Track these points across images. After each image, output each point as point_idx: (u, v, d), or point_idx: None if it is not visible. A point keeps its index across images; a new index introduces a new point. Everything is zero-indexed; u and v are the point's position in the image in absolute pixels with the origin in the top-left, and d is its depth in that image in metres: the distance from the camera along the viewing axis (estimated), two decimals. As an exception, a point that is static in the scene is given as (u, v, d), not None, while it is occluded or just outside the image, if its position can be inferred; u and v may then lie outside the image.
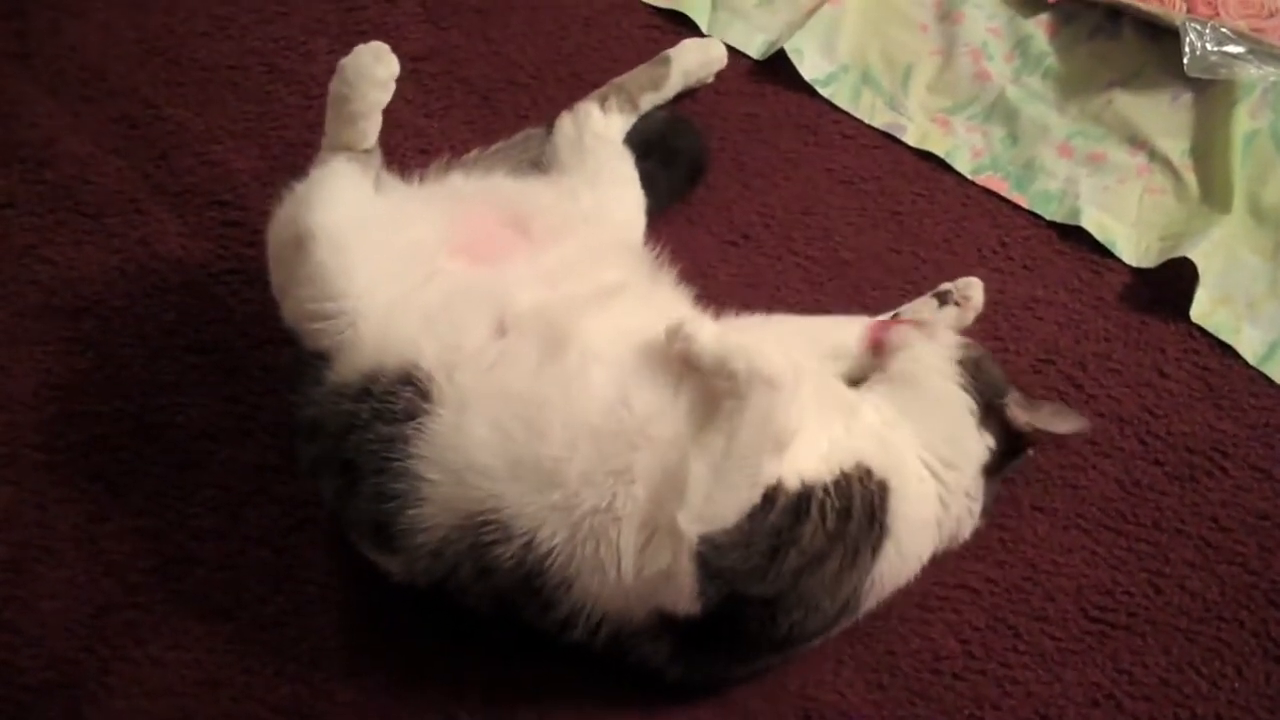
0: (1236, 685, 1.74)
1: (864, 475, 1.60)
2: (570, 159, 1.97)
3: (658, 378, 1.60)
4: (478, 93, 2.27)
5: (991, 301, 2.05)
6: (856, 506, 1.58)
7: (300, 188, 1.68)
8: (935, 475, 1.68)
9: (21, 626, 1.75)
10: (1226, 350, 2.02)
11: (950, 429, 1.69)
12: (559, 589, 1.55)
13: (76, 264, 2.06)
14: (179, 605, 1.77)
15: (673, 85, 2.15)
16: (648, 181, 2.00)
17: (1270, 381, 1.99)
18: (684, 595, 1.52)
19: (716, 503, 1.51)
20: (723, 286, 2.03)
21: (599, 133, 2.00)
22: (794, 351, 1.66)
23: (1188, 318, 2.04)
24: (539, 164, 2.00)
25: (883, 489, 1.61)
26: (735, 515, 1.51)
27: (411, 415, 1.57)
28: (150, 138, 2.20)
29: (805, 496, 1.55)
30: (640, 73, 2.14)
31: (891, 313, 1.95)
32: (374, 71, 1.71)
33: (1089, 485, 1.90)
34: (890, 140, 2.22)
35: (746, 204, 2.16)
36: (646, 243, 1.90)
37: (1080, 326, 2.05)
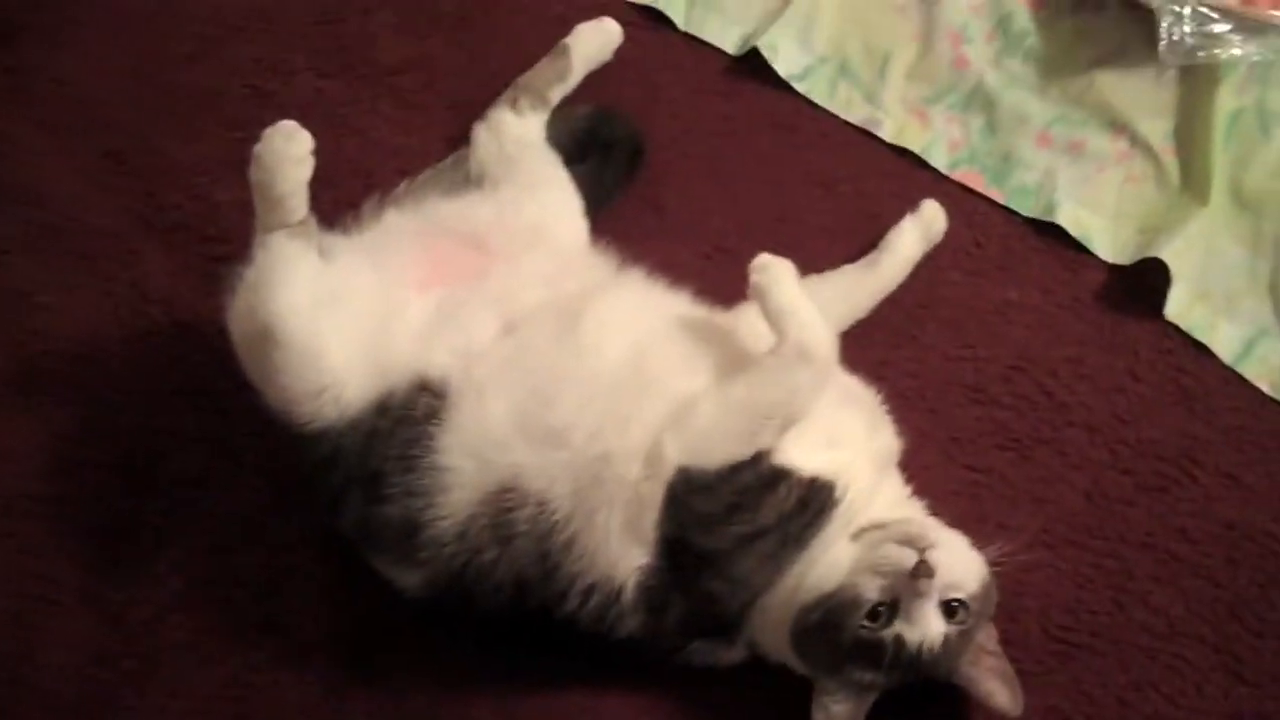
0: (1196, 704, 1.78)
1: (828, 488, 1.64)
2: (499, 170, 1.98)
3: (675, 342, 1.72)
4: (457, 106, 2.25)
5: (964, 306, 2.05)
6: (811, 508, 1.63)
7: (249, 275, 1.70)
8: None
9: (24, 676, 1.87)
10: (1202, 350, 2.01)
11: None
12: (564, 551, 1.63)
13: (69, 307, 2.12)
14: (176, 653, 1.88)
15: (576, 74, 2.14)
16: (593, 182, 2.03)
17: (1245, 383, 1.98)
18: (646, 526, 1.61)
19: (710, 443, 1.61)
20: (691, 282, 1.99)
21: (519, 137, 2.01)
22: None
23: (1163, 316, 2.02)
24: (470, 183, 2.01)
25: (833, 507, 1.64)
26: (720, 462, 1.60)
27: (432, 415, 1.68)
28: (138, 171, 2.23)
29: (783, 475, 1.62)
30: (543, 67, 2.13)
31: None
32: (288, 151, 1.71)
33: (1056, 499, 1.92)
34: (867, 137, 2.20)
35: (722, 213, 2.16)
36: (611, 250, 1.92)
37: (1053, 329, 2.04)
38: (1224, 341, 2.01)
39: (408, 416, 1.67)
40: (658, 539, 1.61)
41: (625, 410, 1.64)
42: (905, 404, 1.92)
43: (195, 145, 2.26)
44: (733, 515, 1.60)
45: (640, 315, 1.75)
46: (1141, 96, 2.19)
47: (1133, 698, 1.78)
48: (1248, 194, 2.10)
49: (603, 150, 2.12)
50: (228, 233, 2.15)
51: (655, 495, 1.61)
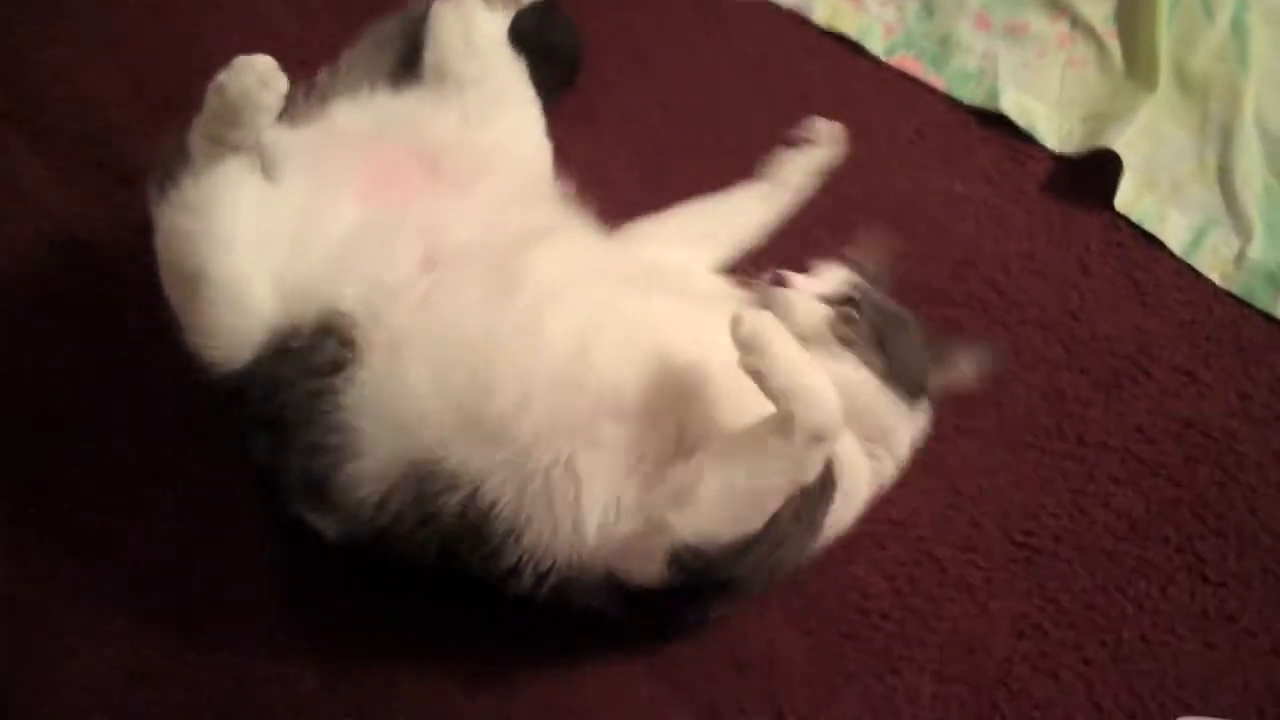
0: (1161, 605, 1.73)
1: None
2: (462, 68, 1.78)
3: (620, 338, 1.50)
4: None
5: (909, 201, 1.97)
6: (815, 488, 1.48)
7: (185, 193, 1.49)
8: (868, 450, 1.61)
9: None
10: (1153, 242, 1.95)
11: (866, 405, 1.58)
12: (507, 537, 1.48)
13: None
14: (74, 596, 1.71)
15: None
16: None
17: (1196, 274, 1.93)
18: (648, 574, 1.46)
19: (718, 524, 1.42)
20: (627, 194, 1.90)
21: (492, 35, 1.82)
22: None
23: (1112, 207, 1.96)
24: (410, 69, 1.82)
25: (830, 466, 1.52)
26: (732, 538, 1.43)
27: (339, 366, 1.49)
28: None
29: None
30: None
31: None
32: (260, 99, 1.47)
33: (1013, 401, 1.85)
34: (799, 23, 2.08)
35: (656, 112, 2.04)
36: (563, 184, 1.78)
37: (1001, 224, 1.96)
38: (1174, 231, 1.96)
39: (311, 366, 1.49)
40: (663, 584, 1.46)
41: (582, 419, 1.46)
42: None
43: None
44: (748, 551, 1.44)
45: (588, 287, 1.55)
46: (1081, -25, 2.11)
47: (1099, 601, 1.73)
48: (1192, 77, 2.04)
49: (542, 51, 1.91)
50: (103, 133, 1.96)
51: (654, 550, 1.44)
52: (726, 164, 1.94)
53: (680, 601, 1.54)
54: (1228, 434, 1.84)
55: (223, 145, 1.49)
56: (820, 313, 1.58)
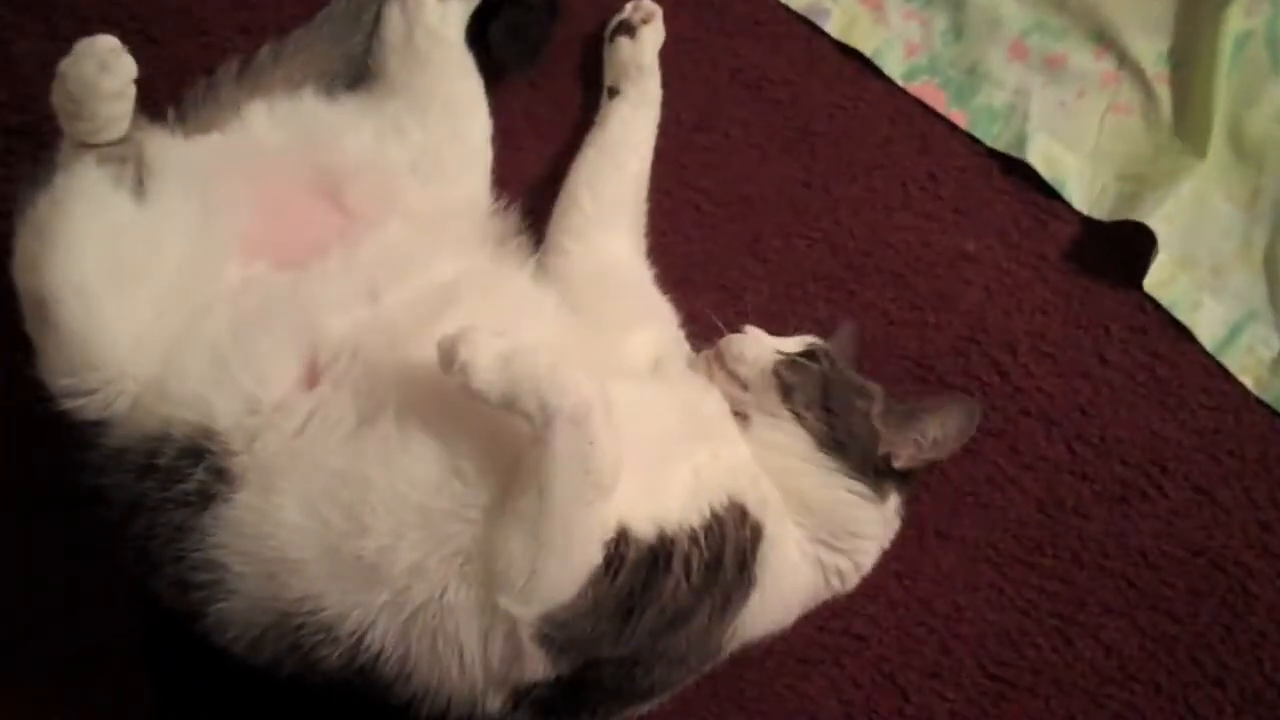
0: (1143, 764, 1.56)
1: (738, 517, 1.34)
2: (398, 68, 1.60)
3: (492, 427, 1.29)
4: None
5: (912, 258, 1.74)
6: (728, 556, 1.32)
7: (39, 210, 1.29)
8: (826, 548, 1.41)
9: None
10: (1181, 331, 1.72)
11: (805, 484, 1.40)
12: (397, 680, 1.31)
13: None
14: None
15: None
16: (506, 39, 1.68)
17: (1227, 375, 1.70)
18: (537, 671, 1.29)
19: (546, 576, 1.24)
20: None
21: (433, 28, 1.61)
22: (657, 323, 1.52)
23: (1140, 286, 1.72)
24: (362, 61, 1.62)
25: (756, 533, 1.34)
26: (573, 586, 1.25)
27: (207, 499, 1.29)
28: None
29: (664, 548, 1.29)
30: None
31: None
32: (101, 85, 1.28)
33: (1005, 505, 1.65)
34: (811, 30, 1.80)
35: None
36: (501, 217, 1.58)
37: (1014, 294, 1.73)
38: (1207, 324, 1.72)
39: (177, 493, 1.29)
40: (559, 673, 1.28)
41: (455, 543, 1.27)
42: (836, 374, 1.64)
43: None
44: (631, 618, 1.26)
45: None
46: (1135, 5, 1.83)
47: (1074, 753, 1.56)
48: (1248, 140, 1.78)
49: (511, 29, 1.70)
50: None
51: (523, 648, 1.27)
52: (711, 210, 1.75)
53: (591, 695, 1.35)
54: (1241, 569, 1.64)
55: (81, 134, 1.32)
56: (770, 358, 1.45)
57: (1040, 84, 1.81)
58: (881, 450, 1.41)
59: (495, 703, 1.32)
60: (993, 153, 1.78)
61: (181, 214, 1.37)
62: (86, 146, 1.32)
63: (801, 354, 1.46)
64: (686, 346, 1.55)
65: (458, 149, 1.57)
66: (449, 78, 1.60)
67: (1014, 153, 1.77)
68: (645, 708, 1.43)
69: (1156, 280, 1.72)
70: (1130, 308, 1.73)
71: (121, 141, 1.35)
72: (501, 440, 1.27)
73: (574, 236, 1.62)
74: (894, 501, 1.43)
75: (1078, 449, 1.67)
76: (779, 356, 1.45)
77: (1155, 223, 1.70)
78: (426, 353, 1.29)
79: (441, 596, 1.28)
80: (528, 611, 1.24)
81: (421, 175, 1.52)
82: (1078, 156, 1.78)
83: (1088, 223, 1.76)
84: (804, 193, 1.75)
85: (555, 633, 1.25)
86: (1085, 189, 1.77)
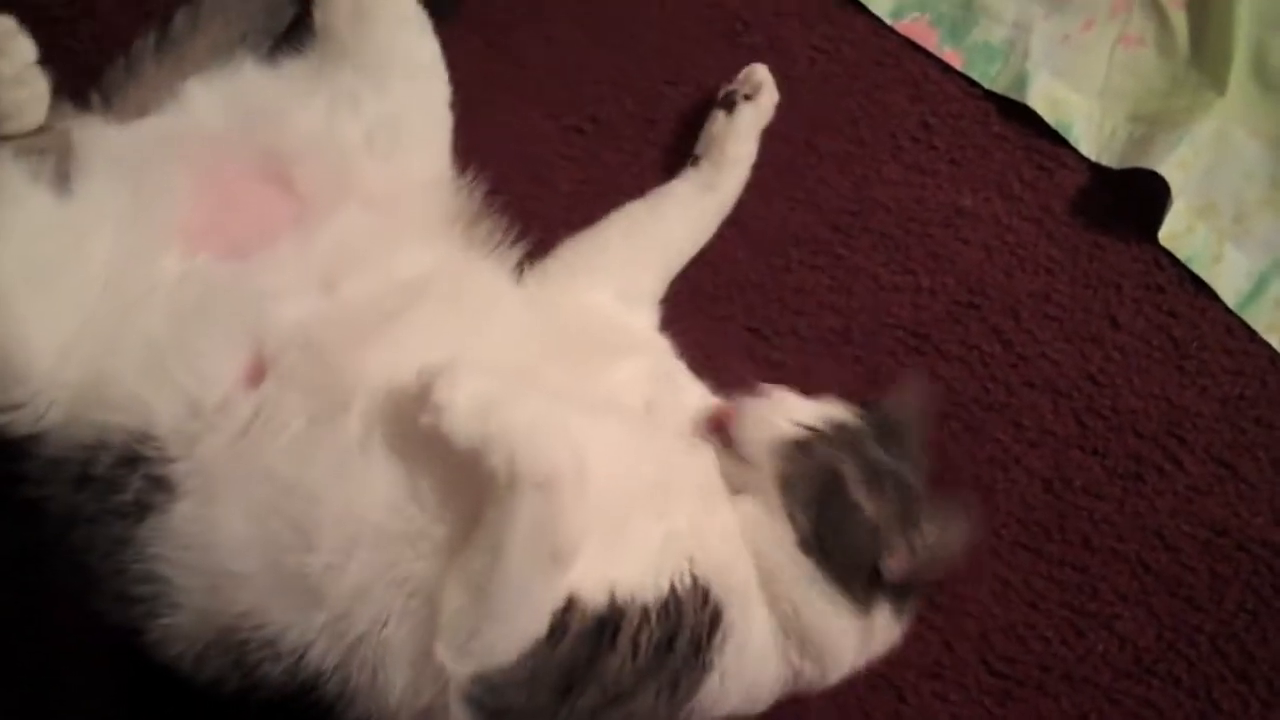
0: (1161, 765, 1.44)
1: (698, 599, 1.22)
2: (347, 32, 1.42)
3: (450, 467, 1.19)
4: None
5: (904, 214, 1.60)
6: (681, 640, 1.20)
7: None
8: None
9: None
10: (1201, 288, 1.58)
11: (782, 578, 1.26)
12: (340, 702, 1.22)
13: None
14: None
15: None
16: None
17: (1252, 335, 1.56)
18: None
19: (487, 637, 1.15)
20: (561, 197, 1.60)
21: None
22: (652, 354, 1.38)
23: (1155, 239, 1.58)
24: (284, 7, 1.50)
25: (715, 619, 1.22)
26: (513, 651, 1.15)
27: (145, 511, 1.20)
28: None
29: (613, 620, 1.18)
30: None
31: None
32: None
33: (1010, 487, 1.53)
34: (783, -36, 1.66)
35: (598, 69, 1.66)
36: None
37: (1016, 253, 1.59)
38: (1229, 277, 1.58)
39: (113, 505, 1.20)
40: None
41: (404, 569, 1.17)
42: (824, 348, 1.56)
43: None
44: (570, 694, 1.16)
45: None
46: (1147, -79, 1.67)
47: (1085, 756, 1.45)
48: (1276, 69, 1.62)
49: None
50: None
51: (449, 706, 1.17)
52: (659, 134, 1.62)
53: None
54: (1268, 549, 1.51)
55: None
56: (772, 432, 1.28)
57: (1042, 15, 1.65)
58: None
59: None
60: (990, 96, 1.64)
61: (110, 207, 1.26)
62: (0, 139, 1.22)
63: (817, 433, 1.29)
64: (685, 380, 1.41)
65: (416, 117, 1.42)
66: (406, 32, 1.44)
67: (1014, 95, 1.62)
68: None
69: (1172, 231, 1.58)
70: (1144, 264, 1.59)
71: (39, 132, 1.25)
72: (470, 471, 1.15)
73: (586, 273, 1.49)
74: (882, 615, 1.27)
75: (1088, 422, 1.54)
76: (789, 431, 1.28)
77: (1170, 168, 1.55)
78: (390, 357, 1.21)
79: (382, 630, 1.18)
80: (461, 668, 1.15)
81: (378, 151, 1.38)
82: (1085, 97, 1.63)
83: (1096, 171, 1.61)
84: (783, 147, 1.60)
85: (486, 697, 1.15)
86: (1093, 133, 1.62)
